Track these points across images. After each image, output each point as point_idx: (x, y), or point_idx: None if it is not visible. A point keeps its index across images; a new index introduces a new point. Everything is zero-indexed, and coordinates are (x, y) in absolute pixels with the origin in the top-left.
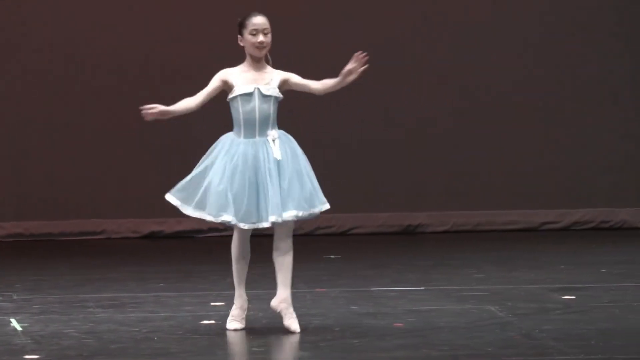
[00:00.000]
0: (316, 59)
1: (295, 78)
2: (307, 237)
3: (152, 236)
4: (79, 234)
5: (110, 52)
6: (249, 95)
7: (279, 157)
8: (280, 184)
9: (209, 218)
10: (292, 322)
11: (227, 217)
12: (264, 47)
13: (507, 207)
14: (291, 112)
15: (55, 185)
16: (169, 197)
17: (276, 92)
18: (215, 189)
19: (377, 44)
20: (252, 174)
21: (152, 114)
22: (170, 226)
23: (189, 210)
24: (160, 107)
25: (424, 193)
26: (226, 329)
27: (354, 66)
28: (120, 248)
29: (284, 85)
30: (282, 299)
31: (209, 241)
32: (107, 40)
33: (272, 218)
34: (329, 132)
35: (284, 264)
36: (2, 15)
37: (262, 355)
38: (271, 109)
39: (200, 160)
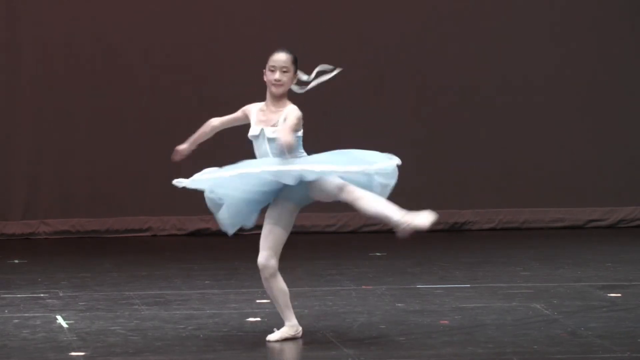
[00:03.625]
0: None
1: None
2: (353, 234)
3: (197, 233)
4: (125, 232)
5: (155, 52)
6: (257, 137)
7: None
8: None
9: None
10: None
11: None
12: (281, 86)
13: (554, 205)
14: (333, 115)
15: (101, 183)
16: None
17: None
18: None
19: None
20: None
21: (174, 157)
22: (216, 223)
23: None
24: (178, 147)
25: (470, 191)
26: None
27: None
28: (166, 245)
29: None
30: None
31: (255, 238)
32: (152, 41)
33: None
34: (377, 131)
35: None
36: (51, 15)
37: (309, 352)
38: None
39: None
